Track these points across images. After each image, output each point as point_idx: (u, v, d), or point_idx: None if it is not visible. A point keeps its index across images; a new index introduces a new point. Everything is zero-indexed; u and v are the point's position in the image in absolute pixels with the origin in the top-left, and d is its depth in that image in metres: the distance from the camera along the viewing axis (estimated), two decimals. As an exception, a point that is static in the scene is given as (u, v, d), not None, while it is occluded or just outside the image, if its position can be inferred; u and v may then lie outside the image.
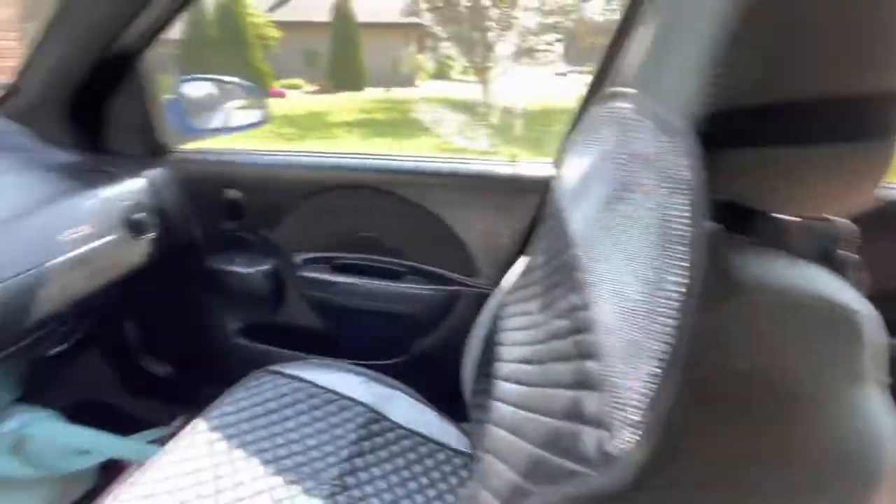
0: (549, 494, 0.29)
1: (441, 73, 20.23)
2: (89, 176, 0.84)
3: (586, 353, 0.32)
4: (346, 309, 1.01)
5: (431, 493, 0.65)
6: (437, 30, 14.66)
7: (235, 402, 0.74)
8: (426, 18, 14.86)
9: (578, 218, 0.45)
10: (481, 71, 12.87)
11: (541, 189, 0.89)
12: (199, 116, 1.01)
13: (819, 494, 0.25)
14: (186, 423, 1.12)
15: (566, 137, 0.89)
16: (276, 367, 0.81)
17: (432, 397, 0.79)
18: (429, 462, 0.70)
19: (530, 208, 0.89)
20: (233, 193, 1.00)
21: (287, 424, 0.71)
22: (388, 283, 0.98)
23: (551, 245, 0.56)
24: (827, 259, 0.30)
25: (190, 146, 1.08)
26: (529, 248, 0.67)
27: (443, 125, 8.15)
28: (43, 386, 0.94)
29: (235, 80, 1.10)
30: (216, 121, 1.03)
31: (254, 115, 1.09)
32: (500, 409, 0.46)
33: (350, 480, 0.64)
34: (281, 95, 12.06)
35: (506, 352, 0.55)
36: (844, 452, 0.25)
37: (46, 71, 0.85)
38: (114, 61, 0.86)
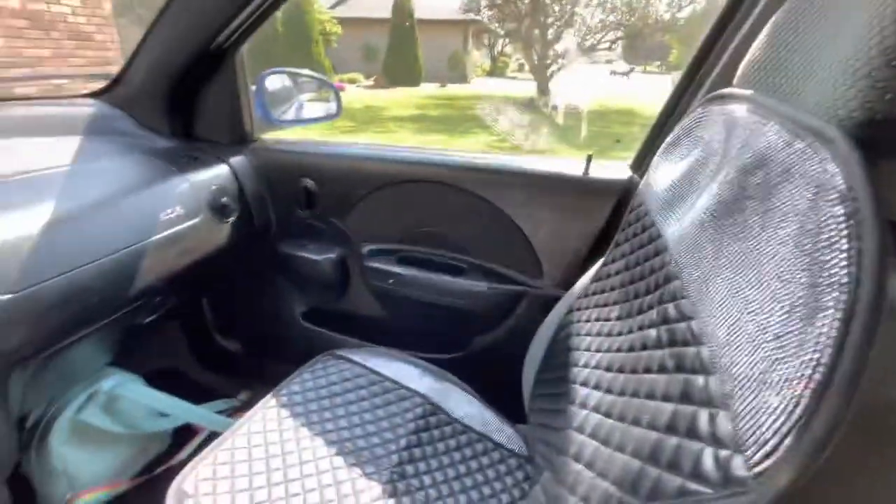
0: None
1: (496, 71, 20.08)
2: (182, 161, 0.91)
3: (694, 368, 0.30)
4: (407, 300, 1.03)
5: (486, 490, 0.65)
6: (495, 26, 14.56)
7: (302, 382, 0.77)
8: (484, 15, 14.79)
9: (673, 224, 0.43)
10: (538, 68, 12.63)
11: (615, 193, 0.86)
12: (279, 108, 1.07)
13: None
14: (251, 397, 1.20)
15: (649, 141, 0.86)
16: (341, 352, 0.84)
17: (486, 396, 0.79)
18: (484, 460, 0.70)
19: (603, 212, 0.87)
20: (307, 182, 1.04)
21: (350, 408, 0.73)
22: (450, 279, 0.99)
23: (633, 251, 0.53)
24: None
25: (268, 136, 1.13)
26: (602, 252, 0.65)
27: (497, 122, 8.08)
28: (129, 352, 1.03)
29: (313, 74, 1.14)
30: (295, 112, 1.08)
31: (329, 108, 1.13)
32: (582, 415, 0.45)
33: (409, 469, 0.66)
34: (341, 89, 12.41)
35: (580, 357, 0.53)
36: None
37: (150, 63, 0.92)
38: (210, 56, 0.92)
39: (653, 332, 0.40)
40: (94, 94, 0.98)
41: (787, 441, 0.21)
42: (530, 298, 0.96)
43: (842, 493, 0.23)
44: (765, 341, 0.26)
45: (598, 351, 0.50)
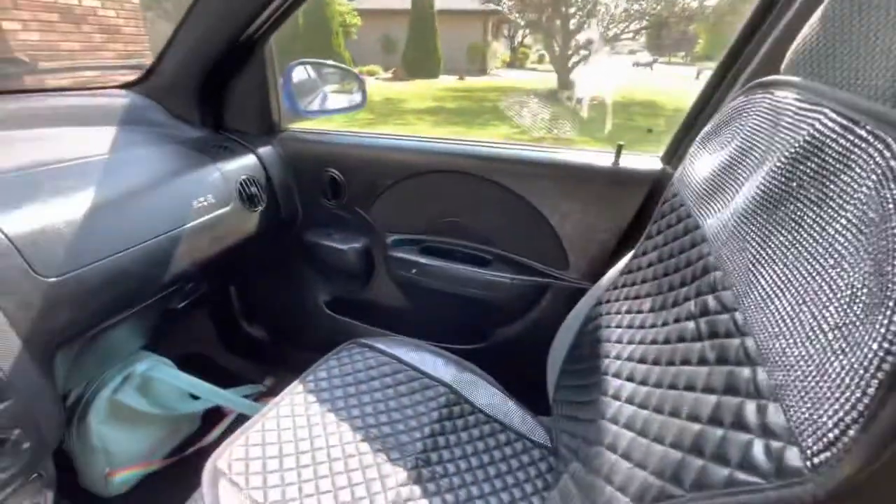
0: (704, 500, 0.28)
1: (516, 62, 19.82)
2: (212, 151, 0.93)
3: (738, 359, 0.30)
4: (430, 291, 1.04)
5: (510, 479, 0.65)
6: (515, 17, 14.34)
7: (329, 369, 0.79)
8: (504, 5, 14.58)
9: (712, 215, 0.42)
10: (559, 60, 12.41)
11: (646, 184, 0.84)
12: (305, 98, 1.08)
13: None
14: (276, 383, 1.23)
15: (681, 132, 0.83)
16: (366, 341, 0.85)
17: (509, 388, 0.79)
18: (507, 450, 0.70)
19: (633, 204, 0.85)
20: (333, 172, 1.05)
21: (375, 395, 0.75)
22: (475, 270, 0.99)
23: (667, 243, 0.53)
24: None
25: (294, 126, 1.15)
26: (632, 245, 0.64)
27: (517, 115, 7.99)
28: (161, 337, 1.07)
29: (339, 65, 1.15)
30: (320, 103, 1.09)
31: (353, 99, 1.14)
32: (615, 406, 0.45)
33: (433, 456, 0.66)
34: (361, 81, 12.43)
35: (611, 349, 0.53)
36: None
37: (182, 55, 0.94)
38: (240, 47, 0.94)
39: (690, 324, 0.39)
40: (126, 86, 1.00)
41: (851, 432, 0.21)
42: (555, 290, 0.95)
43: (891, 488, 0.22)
44: (821, 332, 0.25)
45: (630, 343, 0.50)
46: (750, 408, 0.28)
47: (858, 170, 0.26)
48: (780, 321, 0.28)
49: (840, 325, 0.24)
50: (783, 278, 0.30)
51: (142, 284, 0.73)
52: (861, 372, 0.22)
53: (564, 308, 0.74)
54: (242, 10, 0.85)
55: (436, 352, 0.85)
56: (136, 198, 0.73)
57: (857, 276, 0.24)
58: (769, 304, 0.30)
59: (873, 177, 0.25)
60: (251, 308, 1.30)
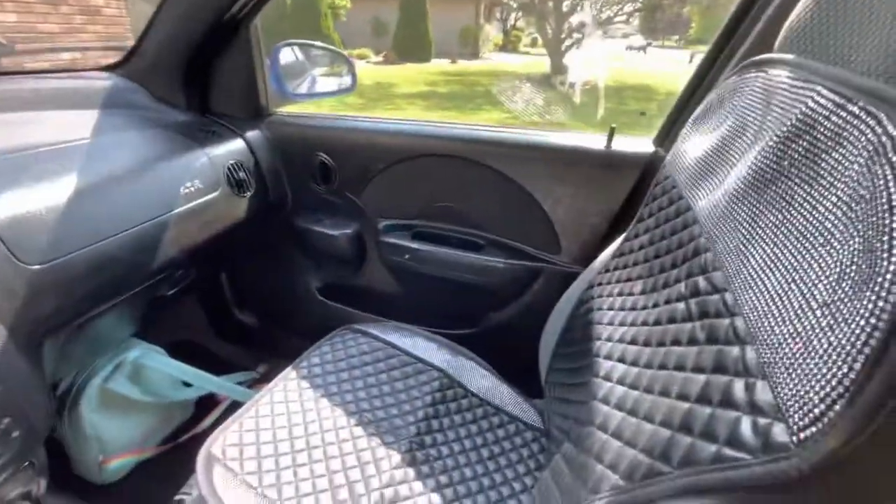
0: (692, 476, 0.29)
1: (508, 46, 19.55)
2: (199, 135, 0.91)
3: (728, 339, 0.30)
4: (423, 276, 1.04)
5: (503, 461, 0.66)
6: (508, -1, 14.08)
7: (322, 354, 0.79)
8: (497, -13, 14.29)
9: (705, 197, 0.42)
10: (552, 43, 12.26)
11: (638, 167, 0.84)
12: (293, 81, 1.05)
13: None
14: (269, 370, 1.23)
15: (674, 113, 0.83)
16: (359, 326, 0.85)
17: (501, 371, 0.80)
18: (500, 432, 0.71)
19: (625, 187, 0.85)
20: (323, 157, 1.04)
21: (368, 381, 0.75)
22: (467, 254, 0.99)
23: (659, 225, 0.53)
24: None
25: (282, 110, 1.12)
26: (623, 228, 0.64)
27: (510, 99, 7.92)
28: (151, 325, 1.06)
29: (328, 47, 1.12)
30: (308, 86, 1.07)
31: (343, 82, 1.11)
32: (606, 387, 0.45)
33: (426, 439, 0.67)
34: (350, 65, 12.21)
35: (602, 332, 0.53)
36: None
37: (165, 36, 0.91)
38: (224, 28, 0.91)
39: (681, 306, 0.39)
40: (108, 68, 0.97)
41: (837, 407, 0.21)
42: (547, 275, 0.96)
43: (877, 463, 0.23)
44: (810, 310, 0.25)
45: (621, 325, 0.50)
46: (738, 386, 0.28)
47: (850, 147, 0.26)
48: (769, 300, 0.29)
49: (828, 302, 0.24)
50: (773, 257, 0.30)
51: (129, 272, 0.72)
52: (848, 348, 0.22)
53: (557, 292, 0.74)
54: None
55: (429, 337, 0.85)
56: (122, 183, 0.71)
57: (846, 253, 0.24)
58: (759, 283, 0.30)
59: (865, 153, 0.25)
60: (242, 294, 1.29)
